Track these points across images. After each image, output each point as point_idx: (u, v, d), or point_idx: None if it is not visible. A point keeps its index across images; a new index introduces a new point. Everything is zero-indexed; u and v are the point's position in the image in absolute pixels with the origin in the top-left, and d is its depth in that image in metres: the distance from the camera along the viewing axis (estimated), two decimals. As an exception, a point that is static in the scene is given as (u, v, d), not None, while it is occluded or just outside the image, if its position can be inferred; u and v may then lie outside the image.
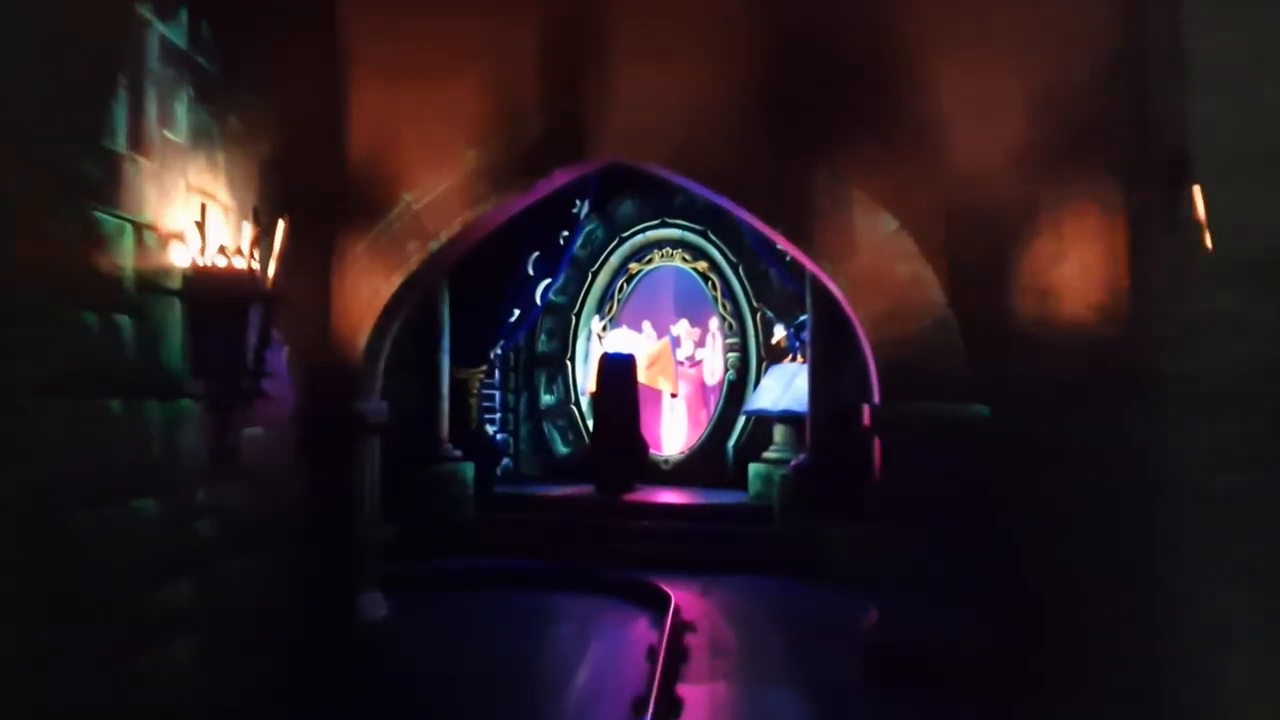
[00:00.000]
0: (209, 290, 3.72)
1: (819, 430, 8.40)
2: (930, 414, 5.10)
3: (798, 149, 5.29)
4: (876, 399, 5.40)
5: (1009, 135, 5.10)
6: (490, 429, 10.85)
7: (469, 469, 9.74)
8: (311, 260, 5.39)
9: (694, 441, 11.32)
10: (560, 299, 11.97)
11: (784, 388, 9.67)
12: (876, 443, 5.40)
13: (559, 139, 5.50)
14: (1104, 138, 5.01)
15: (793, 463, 8.54)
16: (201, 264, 3.75)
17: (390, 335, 5.98)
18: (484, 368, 10.45)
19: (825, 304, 8.31)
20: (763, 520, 8.85)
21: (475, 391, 10.39)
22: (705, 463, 11.02)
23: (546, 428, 11.92)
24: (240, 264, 3.87)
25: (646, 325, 11.79)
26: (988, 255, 5.11)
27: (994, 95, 5.13)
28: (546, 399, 11.99)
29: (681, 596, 6.90)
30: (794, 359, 9.91)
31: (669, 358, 10.97)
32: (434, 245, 5.61)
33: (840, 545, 7.66)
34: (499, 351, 10.75)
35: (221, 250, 3.81)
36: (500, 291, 10.17)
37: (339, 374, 5.57)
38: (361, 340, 5.64)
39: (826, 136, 5.28)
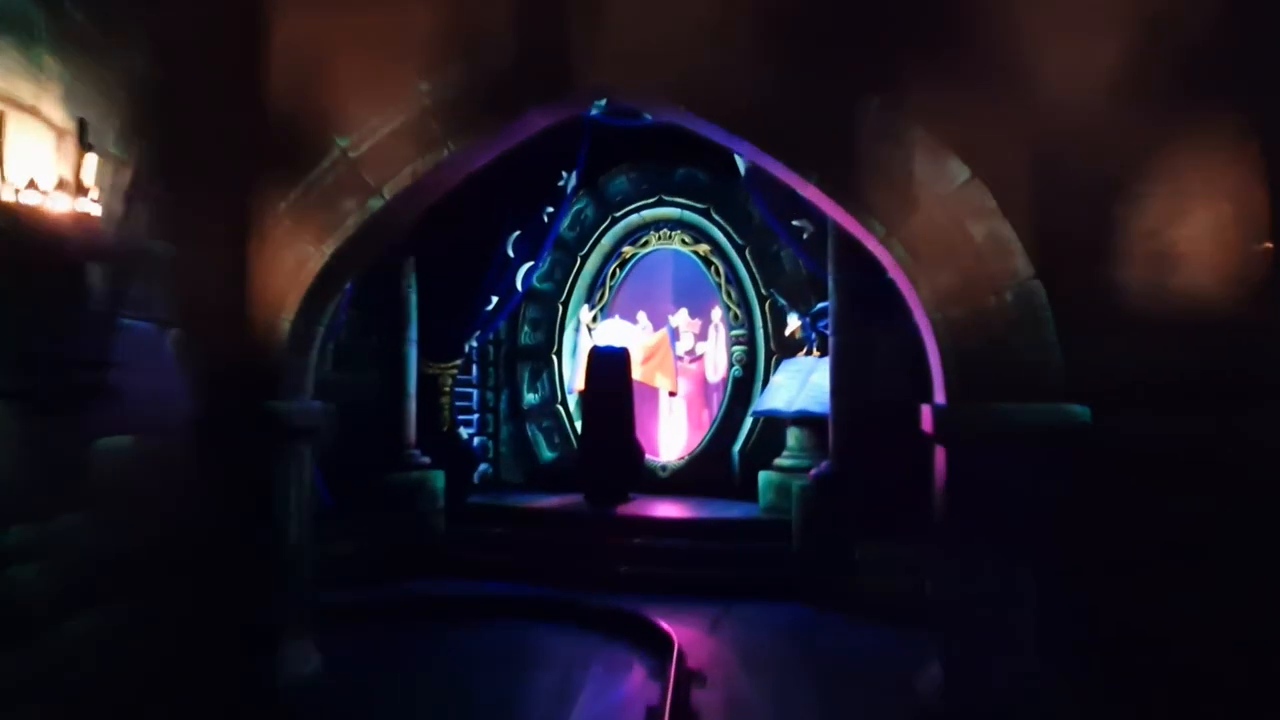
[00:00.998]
0: (9, 241, 2.57)
1: (844, 433, 7.27)
2: (1012, 417, 3.99)
3: (841, 77, 4.17)
4: (940, 398, 4.30)
5: (1113, 58, 4.00)
6: (465, 431, 9.71)
7: (439, 477, 8.60)
8: (218, 220, 4.25)
9: (695, 446, 10.19)
10: (545, 286, 10.83)
11: (799, 385, 8.55)
12: (940, 453, 4.28)
13: (534, 67, 4.37)
14: (1235, 61, 3.92)
15: (812, 471, 7.41)
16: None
17: (325, 317, 4.83)
18: (458, 362, 9.30)
19: (852, 287, 7.21)
20: (778, 538, 7.72)
21: (448, 389, 9.25)
22: (708, 470, 9.90)
23: (530, 430, 10.77)
24: (65, 205, 2.71)
25: (642, 316, 10.66)
26: (1086, 212, 4.01)
27: (1094, 7, 4.02)
28: (530, 398, 10.85)
29: (686, 634, 5.79)
30: (810, 352, 8.79)
31: (667, 352, 9.83)
32: (375, 204, 4.48)
33: (875, 569, 6.56)
34: (475, 344, 9.59)
35: (33, 185, 2.66)
36: (476, 275, 9.02)
37: (254, 365, 4.43)
38: (284, 323, 4.49)
39: (879, 61, 4.15)
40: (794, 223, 8.03)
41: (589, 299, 10.73)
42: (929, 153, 4.08)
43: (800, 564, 7.23)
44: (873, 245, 4.34)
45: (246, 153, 4.42)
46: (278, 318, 4.48)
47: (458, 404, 9.66)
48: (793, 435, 8.55)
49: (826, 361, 8.44)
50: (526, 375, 10.88)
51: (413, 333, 8.74)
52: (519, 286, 9.36)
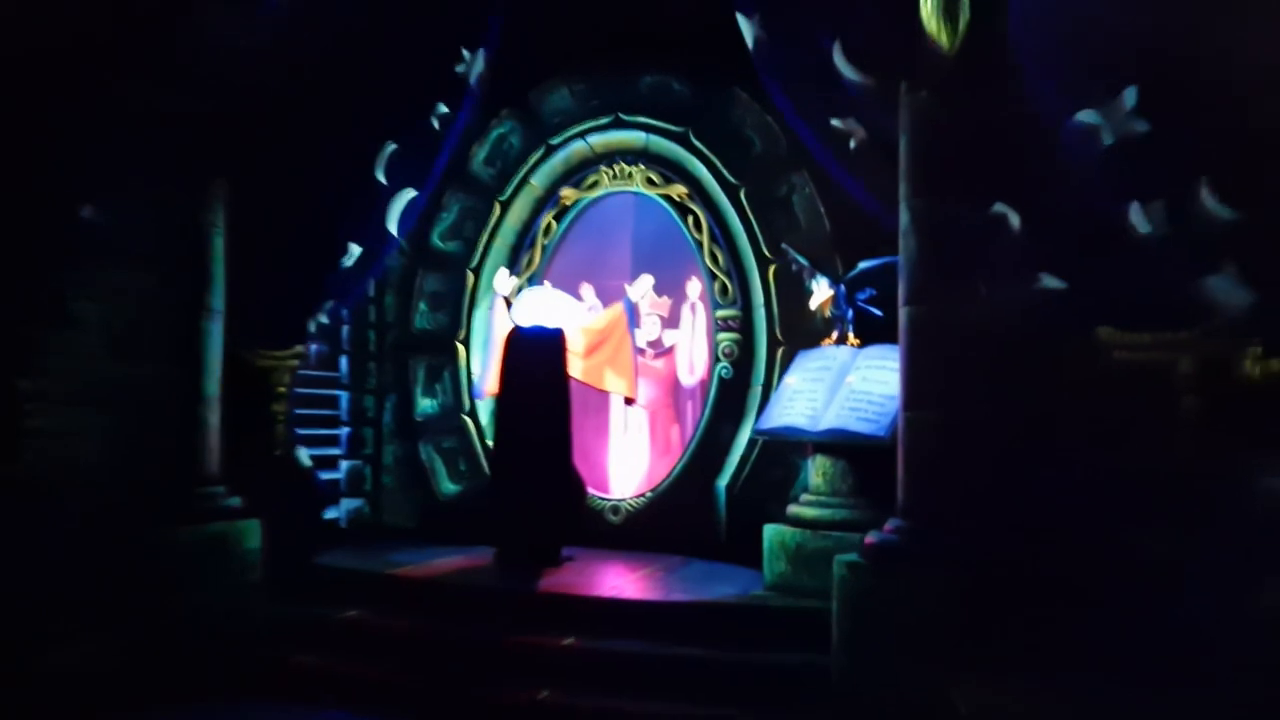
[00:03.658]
0: None
1: (925, 473, 4.29)
2: None
3: None
4: None
5: None
6: (304, 455, 6.49)
7: (251, 531, 5.51)
8: None
9: (661, 478, 7.16)
10: (450, 246, 7.74)
11: (829, 390, 5.58)
12: None
13: None
14: None
15: (869, 538, 4.40)
16: None
17: None
18: (298, 349, 6.18)
19: (942, 222, 4.28)
20: (804, 642, 4.75)
21: (283, 391, 6.12)
22: (680, 514, 6.89)
23: (425, 452, 7.66)
24: None
25: (587, 290, 7.63)
26: None
27: None
28: (426, 405, 7.73)
29: None
30: (843, 340, 5.81)
31: (623, 339, 6.74)
32: None
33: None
34: (324, 320, 6.41)
35: None
36: (326, 212, 5.91)
37: None
38: None
39: None
40: (834, 123, 5.04)
41: (512, 264, 7.64)
42: None
43: (849, 702, 4.23)
44: None
45: None
46: None
47: (301, 412, 6.55)
48: (820, 469, 5.55)
49: (875, 353, 5.50)
50: (422, 374, 7.76)
51: (218, 300, 5.60)
52: (393, 230, 6.21)
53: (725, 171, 6.97)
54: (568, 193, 7.58)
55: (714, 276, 7.10)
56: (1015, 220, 4.30)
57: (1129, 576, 4.01)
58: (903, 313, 4.43)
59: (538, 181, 7.61)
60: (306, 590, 5.84)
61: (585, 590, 5.59)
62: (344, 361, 7.56)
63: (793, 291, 6.57)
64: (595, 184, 7.52)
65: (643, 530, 7.00)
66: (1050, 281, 4.33)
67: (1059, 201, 4.01)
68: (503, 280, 6.93)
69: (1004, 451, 4.19)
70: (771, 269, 6.76)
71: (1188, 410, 4.20)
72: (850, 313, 5.78)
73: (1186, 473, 4.16)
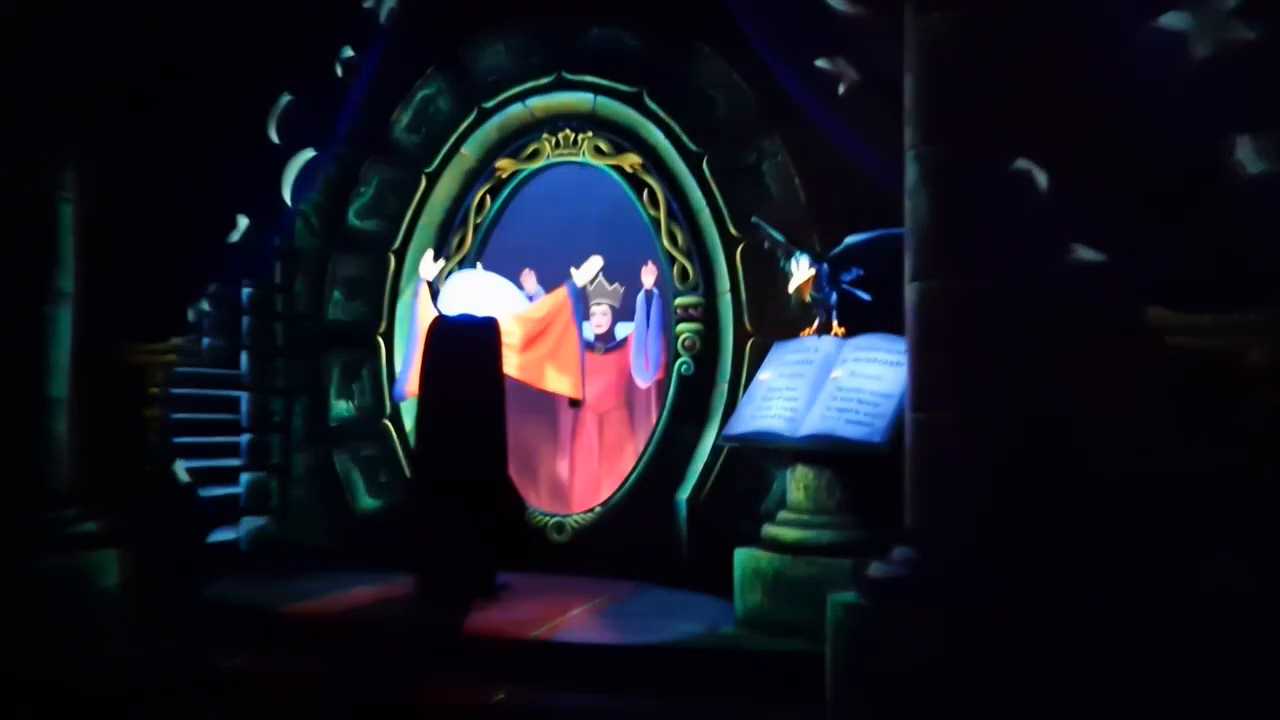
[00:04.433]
0: None
1: (938, 488, 3.44)
2: None
3: None
4: None
5: None
6: (181, 470, 5.45)
7: (106, 564, 4.50)
8: None
9: (613, 491, 6.26)
10: (369, 225, 6.76)
11: (810, 388, 4.73)
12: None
13: None
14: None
15: (872, 570, 3.53)
16: None
17: None
18: (176, 341, 5.15)
19: (959, 174, 3.44)
20: (787, 695, 3.88)
21: (157, 392, 5.10)
22: (633, 531, 6.00)
23: (341, 461, 6.68)
24: None
25: (529, 278, 6.72)
26: None
27: None
28: (341, 408, 6.75)
29: None
30: (826, 329, 4.96)
31: (568, 329, 5.76)
32: None
33: None
34: (205, 308, 5.38)
35: None
36: (210, 180, 4.90)
37: None
38: None
39: None
40: (820, 64, 4.17)
41: (440, 245, 6.69)
42: None
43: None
44: None
45: None
46: None
47: (190, 418, 5.55)
48: (801, 481, 4.68)
49: (864, 344, 4.66)
50: (337, 372, 6.77)
51: (67, 282, 4.58)
52: (288, 199, 5.22)
53: (685, 137, 6.09)
54: (504, 164, 6.64)
55: (672, 259, 6.21)
56: (1045, 177, 3.49)
57: (1199, 614, 3.22)
58: (910, 290, 3.58)
59: (469, 151, 6.66)
60: (182, 633, 4.85)
61: (520, 630, 4.66)
62: (244, 358, 6.54)
63: (764, 274, 5.71)
64: (536, 153, 6.59)
65: (591, 551, 6.09)
66: (1086, 254, 3.53)
67: (1116, 144, 3.20)
68: (428, 265, 5.98)
69: (1037, 461, 3.37)
70: (739, 249, 5.89)
71: (1262, 409, 3.42)
72: (834, 297, 4.93)
73: (1261, 487, 3.38)
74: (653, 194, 6.25)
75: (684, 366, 6.12)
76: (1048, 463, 3.36)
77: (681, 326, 6.15)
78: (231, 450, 6.51)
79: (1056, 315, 3.44)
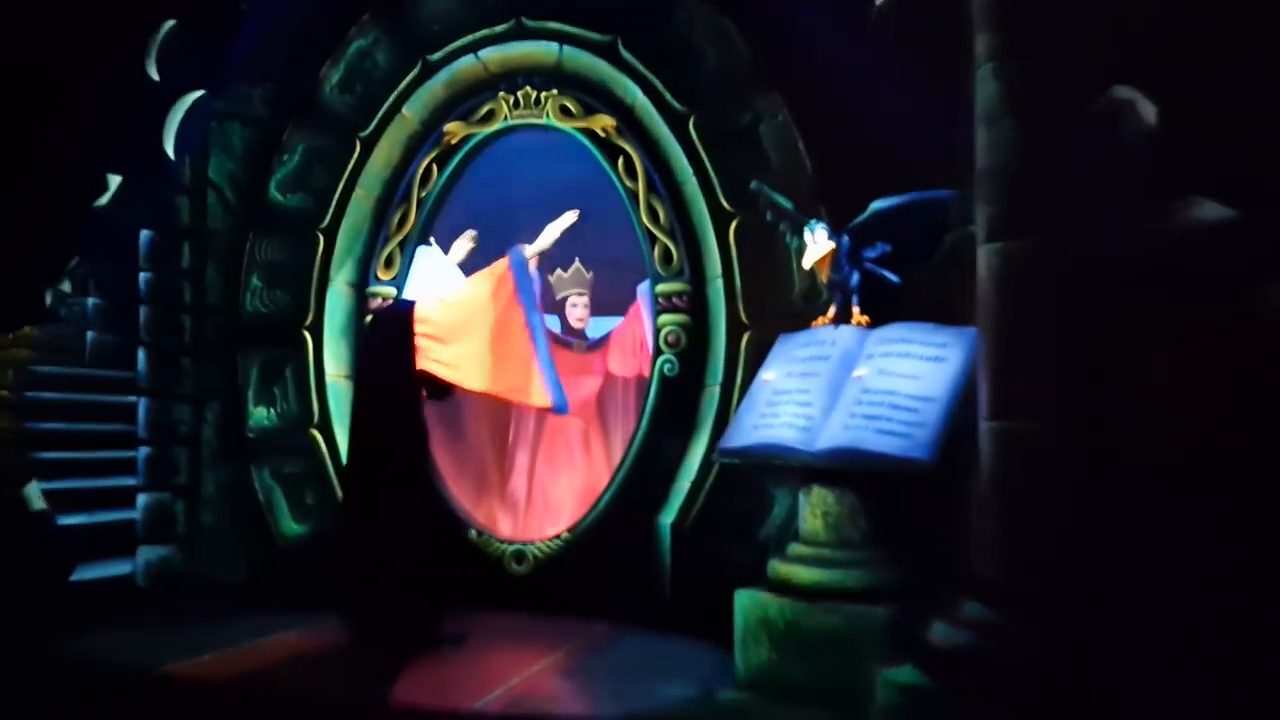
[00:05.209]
0: None
1: (1054, 524, 2.52)
2: None
3: None
4: None
5: None
6: (35, 494, 4.40)
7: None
8: None
9: (582, 513, 5.30)
10: (293, 200, 5.76)
11: (828, 388, 3.82)
12: None
13: None
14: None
15: (941, 638, 2.61)
16: None
17: None
18: (28, 332, 4.12)
19: (1064, 93, 2.51)
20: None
21: (5, 395, 4.07)
22: (607, 563, 5.04)
23: (260, 479, 5.66)
24: None
25: (463, 241, 5.64)
26: None
27: None
28: (260, 415, 5.73)
29: None
30: (843, 316, 4.04)
31: (508, 315, 4.66)
32: None
33: None
34: (65, 290, 4.31)
35: None
36: (74, 130, 3.88)
37: None
38: None
39: None
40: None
41: (378, 223, 5.70)
42: None
43: None
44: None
45: None
46: None
47: (67, 428, 4.51)
48: (817, 507, 3.76)
49: (895, 335, 3.76)
50: (255, 373, 5.75)
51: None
52: (170, 150, 4.20)
53: (668, 95, 5.16)
54: (453, 127, 5.66)
55: (653, 238, 5.27)
56: (1152, 109, 2.61)
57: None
58: (984, 254, 2.67)
59: (412, 112, 5.68)
60: (30, 701, 3.81)
61: (464, 699, 3.68)
62: (142, 356, 5.50)
63: (763, 255, 4.82)
64: (490, 115, 5.62)
65: (557, 586, 5.13)
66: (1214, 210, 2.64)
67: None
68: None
69: (1158, 486, 2.47)
70: (733, 225, 4.97)
71: None
72: (856, 277, 4.01)
73: None
74: (629, 162, 5.30)
75: (667, 366, 5.18)
76: (1167, 491, 2.47)
77: (664, 319, 5.21)
78: (127, 467, 5.46)
79: (1184, 290, 2.55)
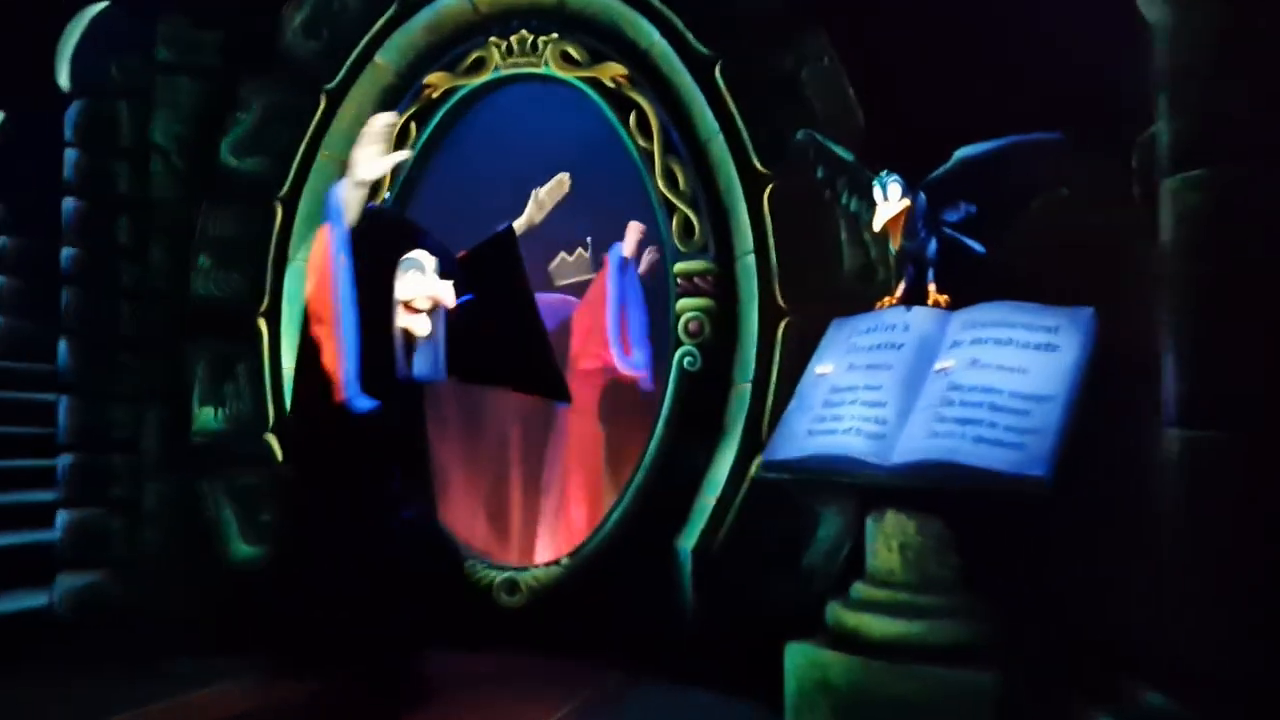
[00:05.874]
0: None
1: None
2: None
3: None
4: None
5: None
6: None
7: None
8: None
9: (587, 535, 4.51)
10: (248, 164, 4.95)
11: (902, 384, 3.01)
12: None
13: None
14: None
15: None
16: None
17: None
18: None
19: None
20: None
21: None
22: (615, 594, 4.25)
23: (207, 492, 4.84)
24: None
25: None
26: None
27: None
28: (208, 418, 4.91)
29: None
30: (917, 296, 3.24)
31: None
32: None
33: None
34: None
35: None
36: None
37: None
38: None
39: None
40: None
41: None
42: None
43: None
44: None
45: None
46: None
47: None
48: (893, 538, 2.94)
49: (987, 317, 2.92)
50: (203, 369, 4.93)
51: None
52: (64, 78, 3.35)
53: (690, 36, 4.35)
54: (436, 78, 4.84)
55: (671, 208, 4.46)
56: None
57: None
58: (1169, 190, 1.85)
59: (387, 60, 4.87)
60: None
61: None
62: (64, 347, 4.69)
63: (806, 225, 4.00)
64: (479, 64, 4.80)
65: (556, 621, 4.33)
66: None
67: None
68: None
69: None
70: (768, 191, 4.16)
71: None
72: (934, 246, 3.20)
73: None
74: (643, 118, 4.49)
75: (688, 360, 4.36)
76: None
77: (684, 303, 4.40)
78: (44, 478, 4.65)
79: None
